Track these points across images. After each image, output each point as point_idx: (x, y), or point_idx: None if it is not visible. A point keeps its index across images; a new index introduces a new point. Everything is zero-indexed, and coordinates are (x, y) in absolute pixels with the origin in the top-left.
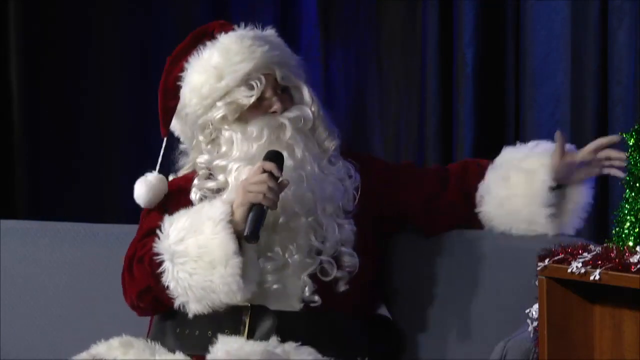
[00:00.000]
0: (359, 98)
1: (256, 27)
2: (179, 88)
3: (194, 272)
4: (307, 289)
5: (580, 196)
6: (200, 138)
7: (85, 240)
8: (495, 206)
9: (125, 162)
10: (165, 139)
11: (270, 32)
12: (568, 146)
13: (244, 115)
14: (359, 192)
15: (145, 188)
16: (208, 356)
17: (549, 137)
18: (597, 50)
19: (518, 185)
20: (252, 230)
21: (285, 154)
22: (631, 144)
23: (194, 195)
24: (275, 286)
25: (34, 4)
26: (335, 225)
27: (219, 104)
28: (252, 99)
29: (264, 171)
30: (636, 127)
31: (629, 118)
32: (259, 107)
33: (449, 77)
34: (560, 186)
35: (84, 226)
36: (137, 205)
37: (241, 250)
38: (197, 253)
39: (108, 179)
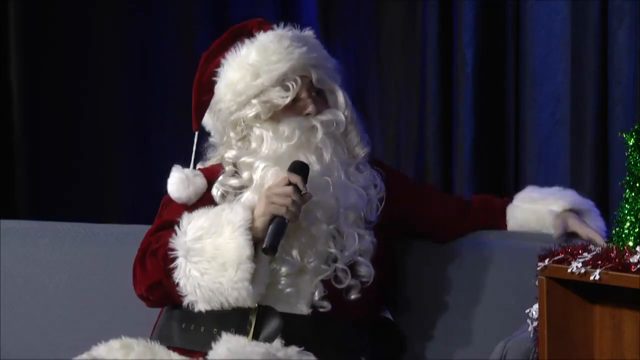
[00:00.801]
0: (359, 98)
1: (294, 27)
2: (213, 83)
3: (206, 272)
4: (317, 293)
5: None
6: (232, 134)
7: (85, 240)
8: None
9: (125, 162)
10: (196, 133)
11: (308, 33)
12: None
13: (276, 115)
14: (383, 203)
15: (184, 183)
16: (210, 353)
17: (549, 137)
18: (597, 50)
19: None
20: (271, 243)
21: (313, 158)
22: (631, 144)
23: (215, 191)
24: (288, 290)
25: (34, 4)
26: (355, 234)
27: (253, 101)
28: (287, 100)
29: (289, 183)
30: (636, 127)
31: (629, 118)
32: (292, 108)
33: (449, 77)
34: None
35: (84, 226)
36: (136, 205)
37: (255, 256)
38: (212, 254)
39: (108, 179)
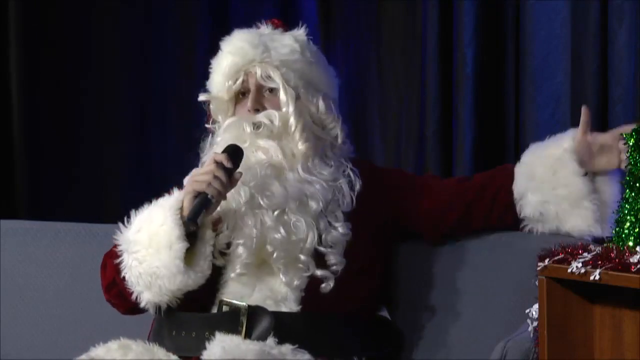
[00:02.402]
0: (359, 98)
1: (298, 27)
2: None
3: (144, 260)
4: (282, 276)
5: (610, 187)
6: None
7: (85, 240)
8: (534, 213)
9: (125, 162)
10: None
11: (298, 32)
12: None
13: (235, 112)
14: (365, 196)
15: None
16: (204, 353)
17: (549, 137)
18: (597, 50)
19: (549, 184)
20: (190, 215)
21: (260, 155)
22: (631, 144)
23: None
24: (244, 277)
25: (34, 4)
26: (303, 221)
27: (212, 98)
28: (224, 93)
29: (216, 162)
30: (636, 127)
31: (629, 118)
32: (243, 106)
33: (449, 77)
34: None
35: (84, 226)
36: (136, 205)
37: (193, 239)
38: (148, 241)
39: (108, 179)
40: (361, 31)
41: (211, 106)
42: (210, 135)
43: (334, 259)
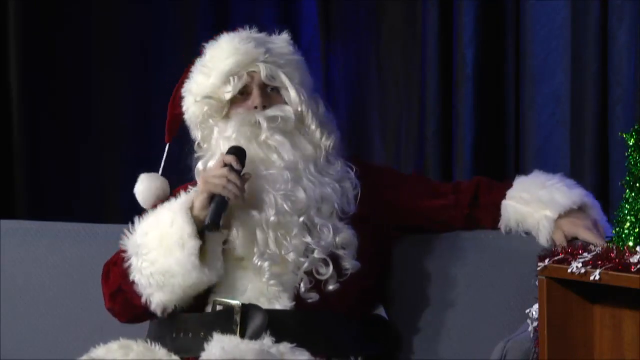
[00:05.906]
0: (359, 98)
1: (271, 31)
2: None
3: (155, 260)
4: (302, 285)
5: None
6: (199, 137)
7: (85, 240)
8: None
9: (125, 163)
10: (168, 144)
11: (283, 36)
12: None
13: (231, 113)
14: (361, 197)
15: (142, 185)
16: (203, 354)
17: (549, 137)
18: (597, 50)
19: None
20: (211, 218)
21: (274, 157)
22: (631, 144)
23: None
24: (272, 281)
25: (34, 4)
26: (330, 226)
27: (205, 100)
28: (229, 94)
29: (225, 164)
30: (636, 127)
31: (629, 118)
32: (243, 105)
33: (449, 77)
34: None
35: (84, 226)
36: (136, 205)
37: (203, 239)
38: (158, 242)
39: (108, 179)
40: (361, 31)
41: (189, 110)
42: (196, 143)
43: (348, 263)
